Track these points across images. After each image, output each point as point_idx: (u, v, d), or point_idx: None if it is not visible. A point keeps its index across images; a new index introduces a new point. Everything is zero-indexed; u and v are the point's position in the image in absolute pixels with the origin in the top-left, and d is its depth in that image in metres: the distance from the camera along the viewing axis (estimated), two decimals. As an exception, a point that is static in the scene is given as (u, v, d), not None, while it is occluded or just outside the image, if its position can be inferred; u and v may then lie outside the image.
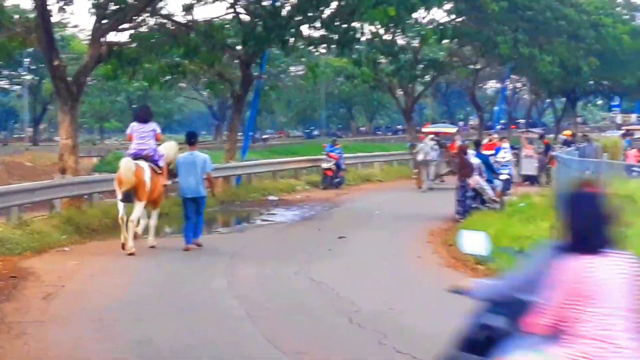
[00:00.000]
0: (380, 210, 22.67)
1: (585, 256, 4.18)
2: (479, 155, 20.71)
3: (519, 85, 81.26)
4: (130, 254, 14.63)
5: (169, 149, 16.07)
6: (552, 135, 48.75)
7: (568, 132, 41.89)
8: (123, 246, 14.81)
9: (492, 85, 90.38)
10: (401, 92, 45.88)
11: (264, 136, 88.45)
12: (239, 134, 32.15)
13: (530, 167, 31.79)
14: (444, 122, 56.70)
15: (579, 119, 76.18)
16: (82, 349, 8.64)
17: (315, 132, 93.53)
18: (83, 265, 13.89)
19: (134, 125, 15.42)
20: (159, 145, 15.79)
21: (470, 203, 19.78)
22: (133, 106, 78.17)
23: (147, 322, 9.77)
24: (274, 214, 22.70)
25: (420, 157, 28.65)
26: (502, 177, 25.16)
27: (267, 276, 12.89)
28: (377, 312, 10.28)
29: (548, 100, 74.25)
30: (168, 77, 26.47)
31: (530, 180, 31.63)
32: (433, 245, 16.43)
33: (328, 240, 16.89)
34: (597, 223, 4.26)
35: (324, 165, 30.86)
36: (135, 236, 15.02)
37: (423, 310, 10.55)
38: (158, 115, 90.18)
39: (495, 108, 71.96)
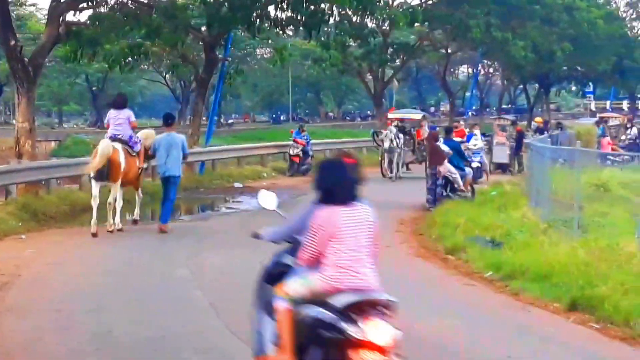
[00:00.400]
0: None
1: (332, 207, 5.78)
2: (449, 142, 20.79)
3: (491, 70, 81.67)
4: (119, 230, 15.83)
5: (147, 136, 16.81)
6: (524, 122, 49.01)
7: (539, 119, 42.10)
8: (94, 234, 15.33)
9: (464, 70, 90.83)
10: (370, 77, 45.98)
11: (229, 121, 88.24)
12: (202, 118, 32.02)
13: (502, 154, 31.94)
14: (414, 108, 56.72)
15: (552, 106, 76.68)
16: (39, 340, 8.58)
17: (282, 117, 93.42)
18: (40, 254, 13.80)
19: (111, 112, 16.36)
20: (136, 132, 16.56)
21: (440, 191, 19.86)
22: (93, 89, 77.71)
23: (107, 312, 9.73)
24: (239, 201, 22.66)
25: (386, 144, 27.86)
26: (474, 164, 25.30)
27: (233, 266, 12.85)
28: (344, 303, 10.29)
29: (521, 86, 74.64)
30: (129, 59, 26.24)
31: (502, 168, 31.79)
32: (402, 234, 16.48)
33: (295, 229, 16.87)
34: (342, 183, 5.86)
35: (291, 151, 30.84)
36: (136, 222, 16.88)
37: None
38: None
39: (467, 94, 72.37)
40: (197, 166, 27.62)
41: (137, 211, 17.02)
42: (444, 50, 50.82)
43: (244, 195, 24.04)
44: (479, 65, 63.57)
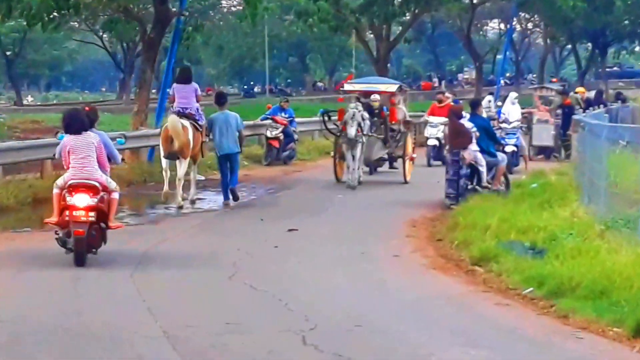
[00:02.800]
0: (344, 193, 22.69)
1: (70, 135, 13.90)
2: (475, 119, 20.78)
3: (530, 26, 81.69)
4: (180, 207, 20.23)
5: None
6: (572, 94, 49.03)
7: (581, 89, 41.88)
8: (165, 198, 20.67)
9: (494, 26, 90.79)
10: (372, 36, 45.93)
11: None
12: (152, 91, 31.91)
13: (544, 135, 31.91)
14: (429, 75, 56.67)
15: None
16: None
17: (257, 89, 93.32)
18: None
19: (176, 86, 21.00)
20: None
21: (465, 184, 19.87)
22: (7, 53, 77.37)
23: (29, 346, 9.69)
24: (200, 198, 22.62)
25: (352, 131, 23.36)
26: (508, 149, 25.28)
27: (192, 282, 12.84)
28: (339, 330, 10.30)
29: (569, 47, 74.71)
30: (54, 14, 26.10)
31: (545, 153, 31.80)
32: (415, 240, 16.49)
33: (274, 234, 16.88)
34: (74, 121, 14.00)
35: (269, 133, 30.78)
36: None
37: (400, 326, 10.60)
38: (42, 66, 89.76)
39: (499, 57, 72.37)
40: (146, 153, 27.55)
41: (193, 190, 21.18)
42: (467, 0, 50.79)
43: (207, 190, 24.01)
44: (514, 19, 63.55)
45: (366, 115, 24.21)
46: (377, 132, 25.46)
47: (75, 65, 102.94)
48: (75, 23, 64.36)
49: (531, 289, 12.09)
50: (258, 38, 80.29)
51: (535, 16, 70.48)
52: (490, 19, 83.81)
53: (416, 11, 46.19)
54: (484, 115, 23.31)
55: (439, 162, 28.37)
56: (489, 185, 20.16)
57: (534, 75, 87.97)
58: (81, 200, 13.53)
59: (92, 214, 13.57)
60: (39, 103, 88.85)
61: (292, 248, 15.58)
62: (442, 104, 30.56)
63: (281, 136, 30.64)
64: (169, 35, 30.26)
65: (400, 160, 26.37)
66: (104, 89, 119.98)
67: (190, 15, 37.08)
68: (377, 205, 20.86)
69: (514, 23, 65.43)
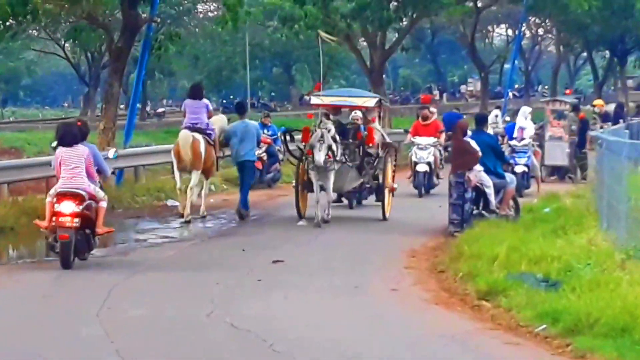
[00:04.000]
0: (334, 219, 22.65)
1: (62, 147, 16.66)
2: (480, 135, 20.79)
3: (541, 32, 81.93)
4: (187, 222, 22.45)
5: (218, 122, 23.83)
6: (589, 107, 49.17)
7: (599, 101, 41.94)
8: (182, 215, 22.74)
9: (501, 33, 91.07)
10: (365, 44, 45.96)
11: (159, 110, 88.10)
12: (120, 106, 31.82)
13: (558, 154, 31.90)
14: (428, 87, 56.64)
15: (630, 82, 76.88)
16: None
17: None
18: None
19: (187, 102, 23.55)
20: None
21: (470, 208, 19.85)
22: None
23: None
24: (175, 227, 22.61)
25: (320, 157, 21.42)
26: (518, 169, 25.30)
27: (165, 321, 12.81)
28: (331, 374, 10.28)
29: (584, 55, 74.92)
30: (10, 21, 26.09)
31: (559, 173, 31.80)
32: (415, 271, 16.48)
33: (257, 266, 16.85)
34: (66, 135, 16.70)
35: (250, 153, 30.72)
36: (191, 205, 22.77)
37: (400, 369, 10.58)
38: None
39: (507, 66, 72.55)
40: (114, 176, 27.44)
41: (202, 208, 23.28)
42: (471, 4, 50.93)
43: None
44: (523, 24, 63.72)
45: (337, 137, 22.05)
46: (351, 158, 22.78)
47: (34, 79, 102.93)
48: (34, 31, 64.36)
49: (544, 326, 12.09)
50: (238, 47, 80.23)
51: (547, 21, 70.74)
52: (496, 24, 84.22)
53: (414, 16, 46.20)
54: (490, 131, 23.33)
55: (429, 190, 27.94)
56: (497, 210, 20.16)
57: (546, 87, 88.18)
58: (67, 207, 16.05)
59: (76, 220, 16.08)
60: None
61: (278, 281, 15.53)
62: (427, 122, 29.24)
63: (264, 156, 30.52)
64: (138, 44, 30.20)
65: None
66: (66, 105, 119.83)
67: (162, 22, 37.15)
68: (372, 232, 20.83)
69: (523, 29, 65.60)
